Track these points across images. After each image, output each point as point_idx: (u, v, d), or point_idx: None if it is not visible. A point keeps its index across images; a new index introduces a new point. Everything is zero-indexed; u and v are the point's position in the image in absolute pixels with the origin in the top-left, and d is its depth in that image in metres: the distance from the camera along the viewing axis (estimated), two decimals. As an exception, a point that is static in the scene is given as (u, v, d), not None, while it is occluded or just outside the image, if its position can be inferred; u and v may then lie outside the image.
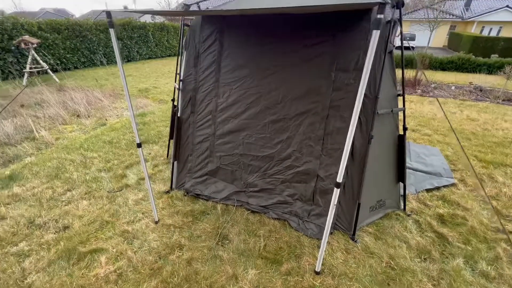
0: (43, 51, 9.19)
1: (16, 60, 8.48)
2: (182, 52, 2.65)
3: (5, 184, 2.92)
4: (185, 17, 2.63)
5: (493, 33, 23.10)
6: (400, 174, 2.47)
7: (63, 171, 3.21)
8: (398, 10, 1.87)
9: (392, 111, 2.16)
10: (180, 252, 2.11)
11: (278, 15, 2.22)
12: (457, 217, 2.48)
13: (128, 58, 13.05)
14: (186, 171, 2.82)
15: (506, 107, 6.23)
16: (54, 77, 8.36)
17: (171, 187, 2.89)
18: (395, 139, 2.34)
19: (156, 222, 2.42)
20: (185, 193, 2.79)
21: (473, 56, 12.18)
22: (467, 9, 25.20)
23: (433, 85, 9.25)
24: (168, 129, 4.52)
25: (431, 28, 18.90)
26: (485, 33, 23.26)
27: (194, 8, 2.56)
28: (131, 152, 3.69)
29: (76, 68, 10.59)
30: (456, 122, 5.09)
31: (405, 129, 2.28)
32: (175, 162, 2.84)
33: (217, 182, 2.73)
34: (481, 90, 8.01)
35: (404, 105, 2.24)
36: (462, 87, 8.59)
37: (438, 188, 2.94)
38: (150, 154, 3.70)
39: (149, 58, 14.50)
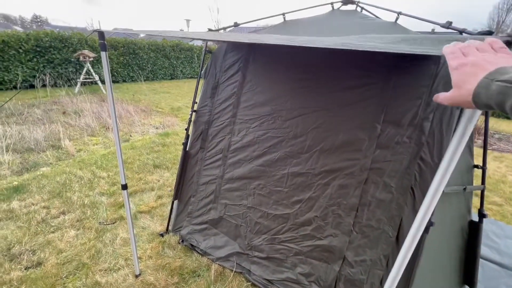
0: (98, 64, 10.14)
1: (75, 70, 9.44)
2: (201, 81, 2.36)
3: (8, 195, 2.82)
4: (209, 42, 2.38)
5: None
6: (467, 275, 1.73)
7: (67, 189, 3.04)
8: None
9: (465, 189, 1.51)
10: (149, 332, 1.62)
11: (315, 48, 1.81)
12: None
13: (172, 76, 13.86)
14: (186, 214, 2.41)
15: None
16: (102, 88, 9.03)
17: (167, 229, 2.49)
18: (465, 227, 1.65)
19: (137, 276, 2.00)
20: (180, 241, 2.35)
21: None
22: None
23: (497, 136, 7.87)
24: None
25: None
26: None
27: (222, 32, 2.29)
28: (140, 177, 3.44)
29: (124, 81, 11.46)
30: (537, 191, 3.97)
31: (482, 215, 1.59)
32: (176, 201, 2.46)
33: (218, 235, 2.25)
34: None
35: (484, 182, 1.57)
36: (538, 143, 7.10)
37: (522, 297, 2.06)
38: (158, 181, 3.41)
39: (191, 77, 15.28)
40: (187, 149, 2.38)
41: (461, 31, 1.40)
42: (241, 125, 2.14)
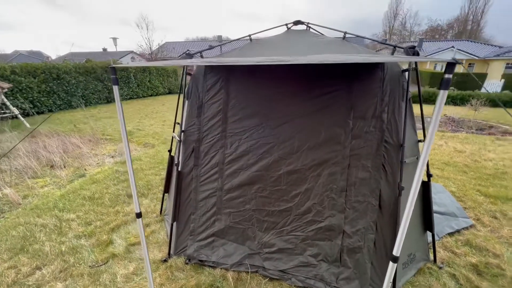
0: (16, 94, 8.62)
1: (-18, 105, 7.81)
2: (184, 101, 2.45)
3: (-48, 267, 2.29)
4: (188, 67, 2.50)
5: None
6: (427, 222, 2.29)
7: (31, 242, 2.63)
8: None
9: (417, 158, 2.05)
10: None
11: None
12: (492, 267, 2.29)
13: (108, 99, 12.68)
14: (188, 233, 2.43)
15: (484, 137, 6.65)
16: (25, 122, 7.71)
17: (169, 253, 2.44)
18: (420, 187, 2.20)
19: (154, 306, 1.95)
20: (187, 261, 2.35)
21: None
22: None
23: (428, 119, 9.84)
24: (158, 177, 4.13)
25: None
26: (438, 69, 26.38)
27: (196, 57, 2.44)
28: (116, 210, 3.20)
29: (50, 111, 9.97)
30: (446, 154, 5.25)
31: (429, 176, 2.17)
32: (175, 224, 2.45)
33: (226, 244, 2.35)
34: (454, 121, 8.62)
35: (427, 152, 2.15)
36: (436, 119, 9.20)
37: (458, 231, 2.79)
38: (139, 210, 3.23)
39: (130, 98, 14.27)
40: (179, 169, 2.42)
41: (394, 46, 1.93)
42: (233, 138, 2.33)
